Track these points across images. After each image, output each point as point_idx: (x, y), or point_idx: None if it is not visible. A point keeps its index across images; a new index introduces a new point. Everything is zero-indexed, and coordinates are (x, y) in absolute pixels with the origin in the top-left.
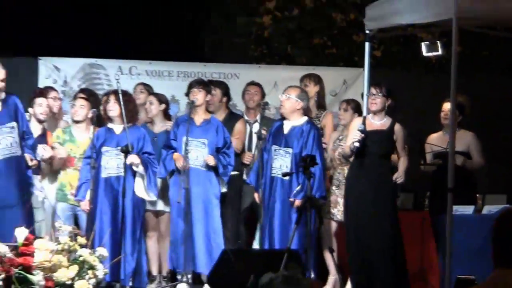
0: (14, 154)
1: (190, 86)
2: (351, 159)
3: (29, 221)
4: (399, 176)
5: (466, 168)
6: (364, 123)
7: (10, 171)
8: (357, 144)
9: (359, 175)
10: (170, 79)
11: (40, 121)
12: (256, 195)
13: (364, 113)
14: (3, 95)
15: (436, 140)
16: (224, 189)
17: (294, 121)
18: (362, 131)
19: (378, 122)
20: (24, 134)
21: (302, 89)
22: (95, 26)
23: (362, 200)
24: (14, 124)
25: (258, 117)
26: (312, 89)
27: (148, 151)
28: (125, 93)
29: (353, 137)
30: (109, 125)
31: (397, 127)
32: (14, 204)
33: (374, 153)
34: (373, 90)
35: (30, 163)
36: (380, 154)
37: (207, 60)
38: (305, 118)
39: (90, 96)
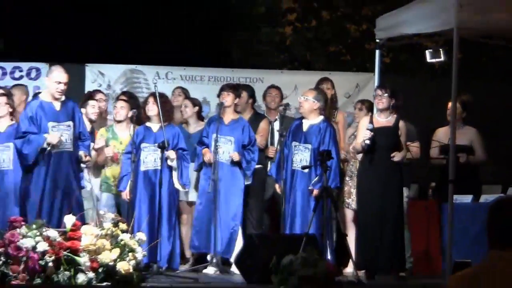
0: (67, 149)
1: (221, 89)
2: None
3: (79, 209)
4: (396, 156)
5: (470, 162)
6: (371, 121)
7: (65, 163)
8: (367, 142)
9: (369, 168)
10: (202, 83)
11: (91, 121)
12: (277, 186)
13: (375, 113)
14: (63, 97)
15: (442, 134)
16: (247, 182)
17: (312, 120)
18: (371, 130)
19: (385, 120)
20: (80, 135)
21: (319, 91)
22: (135, 36)
23: (372, 190)
24: (70, 123)
25: (278, 116)
26: (329, 92)
27: (182, 147)
28: (162, 95)
29: (363, 135)
30: (148, 123)
31: (401, 123)
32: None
33: (382, 147)
34: (379, 91)
35: (84, 159)
36: (387, 147)
37: (235, 66)
38: (322, 117)
39: (130, 98)
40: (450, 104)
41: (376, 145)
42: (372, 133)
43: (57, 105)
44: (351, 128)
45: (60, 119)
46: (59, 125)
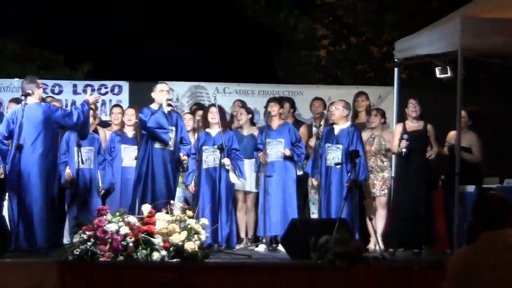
0: (168, 148)
1: (268, 101)
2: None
3: (168, 198)
4: (430, 155)
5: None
6: (405, 128)
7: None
8: (405, 150)
9: (405, 165)
10: (253, 96)
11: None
12: (313, 180)
13: (394, 119)
14: (169, 108)
15: (452, 136)
16: (300, 172)
17: (342, 125)
18: (406, 140)
19: (415, 125)
20: (182, 140)
21: (346, 102)
22: (199, 58)
23: (408, 183)
24: (173, 128)
25: (322, 122)
26: (365, 103)
27: (235, 147)
28: (220, 107)
29: (401, 144)
30: (207, 130)
31: (429, 126)
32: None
33: (415, 147)
34: (413, 101)
35: (182, 158)
36: (419, 147)
37: (279, 82)
38: (349, 123)
39: (198, 109)
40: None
41: (409, 145)
42: (408, 142)
43: (165, 110)
44: (367, 132)
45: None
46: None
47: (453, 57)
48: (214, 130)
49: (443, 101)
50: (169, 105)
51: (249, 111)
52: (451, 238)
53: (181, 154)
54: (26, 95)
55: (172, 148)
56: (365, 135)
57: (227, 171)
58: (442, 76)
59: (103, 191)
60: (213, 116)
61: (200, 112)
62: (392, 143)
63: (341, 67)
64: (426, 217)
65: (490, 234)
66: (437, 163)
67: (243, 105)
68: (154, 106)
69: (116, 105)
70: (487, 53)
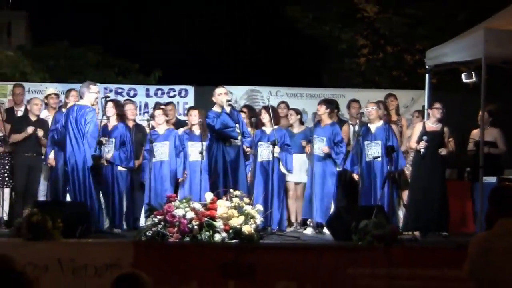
0: (236, 143)
1: (319, 103)
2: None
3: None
4: (441, 151)
5: (494, 153)
6: (424, 127)
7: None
8: (423, 150)
9: (422, 160)
10: (301, 98)
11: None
12: (354, 175)
13: (426, 119)
14: (230, 108)
15: (476, 133)
16: (338, 169)
17: (377, 123)
18: (426, 141)
19: (435, 126)
20: (244, 133)
21: (380, 103)
22: (254, 64)
23: (426, 175)
24: (237, 125)
25: (358, 121)
26: (395, 103)
27: (287, 143)
28: (273, 108)
29: (420, 145)
30: (263, 127)
31: (446, 129)
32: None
33: (432, 146)
34: (439, 106)
35: (246, 150)
36: (436, 145)
37: (325, 86)
38: (382, 121)
39: (250, 110)
40: (480, 113)
41: (428, 144)
42: (426, 144)
43: (227, 110)
44: (410, 129)
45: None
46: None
47: (477, 64)
48: (268, 128)
49: (468, 102)
50: (229, 105)
51: (297, 111)
52: (476, 222)
53: (244, 147)
54: (80, 97)
55: (239, 143)
56: (408, 132)
57: (279, 161)
58: (468, 80)
59: (181, 179)
60: (266, 116)
61: (250, 113)
62: (411, 139)
63: (378, 72)
64: (439, 205)
65: (505, 221)
66: (459, 158)
67: (288, 106)
68: (216, 109)
69: (193, 108)
70: (507, 60)
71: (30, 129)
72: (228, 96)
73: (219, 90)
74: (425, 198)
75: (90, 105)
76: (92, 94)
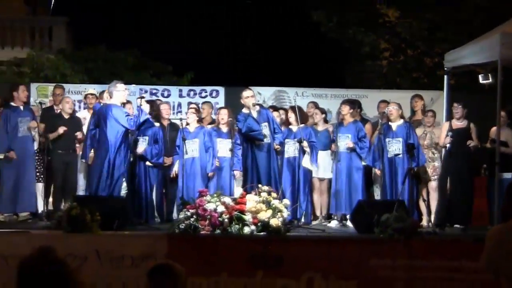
0: (266, 141)
1: (341, 103)
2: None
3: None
4: (469, 143)
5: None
6: (450, 125)
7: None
8: (448, 145)
9: (451, 155)
10: (326, 98)
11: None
12: (376, 170)
13: (444, 118)
14: (258, 107)
15: (494, 132)
16: (363, 163)
17: (397, 122)
18: (451, 136)
19: (460, 123)
20: (274, 130)
21: (398, 103)
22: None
23: (452, 170)
24: (266, 124)
25: (384, 120)
26: (420, 103)
27: (312, 140)
28: (299, 107)
29: (446, 140)
30: (289, 126)
31: (472, 125)
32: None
33: (457, 142)
34: (456, 105)
35: (275, 147)
36: (462, 142)
37: (348, 87)
38: (402, 120)
39: (275, 110)
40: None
41: (455, 140)
42: (451, 139)
43: (254, 113)
44: (420, 128)
45: (260, 121)
46: (260, 124)
47: (493, 66)
48: (295, 127)
49: (485, 102)
50: (258, 105)
51: (322, 111)
52: (492, 216)
53: (274, 144)
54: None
55: (269, 140)
56: (419, 131)
57: (304, 153)
58: (484, 82)
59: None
60: (292, 115)
61: (276, 113)
62: (440, 137)
63: (399, 74)
64: (466, 199)
65: None
66: (478, 155)
67: (316, 106)
68: (245, 110)
69: (223, 107)
70: None
71: (61, 130)
72: (255, 99)
73: (246, 93)
74: (456, 194)
75: (120, 103)
76: (119, 92)
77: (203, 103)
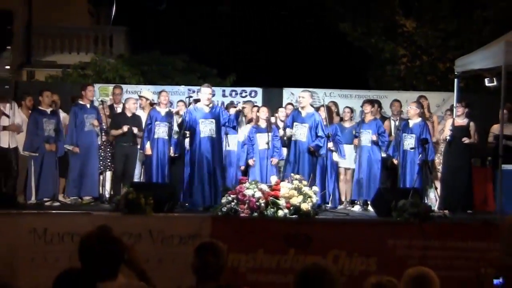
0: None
1: (363, 103)
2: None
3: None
4: (464, 140)
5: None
6: (453, 123)
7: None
8: (449, 138)
9: (450, 149)
10: (351, 98)
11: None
12: (394, 160)
13: (454, 116)
14: (312, 109)
15: (497, 128)
16: (383, 154)
17: (415, 120)
18: (451, 130)
19: (461, 121)
20: (317, 134)
21: (419, 103)
22: (312, 70)
23: (454, 162)
24: (306, 125)
25: (398, 118)
26: (425, 103)
27: (338, 134)
28: (327, 106)
29: (447, 133)
30: None
31: (471, 123)
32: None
33: (459, 137)
34: (457, 105)
35: (310, 149)
36: (461, 138)
37: (370, 89)
38: (420, 118)
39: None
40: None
41: (456, 136)
42: (451, 132)
43: (303, 113)
44: (441, 125)
45: (302, 120)
46: (297, 124)
47: (498, 70)
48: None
49: (489, 102)
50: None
51: (352, 110)
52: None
53: (309, 146)
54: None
55: (303, 140)
56: (439, 127)
57: (332, 151)
58: (490, 84)
59: (243, 167)
60: (322, 114)
61: None
62: (444, 132)
63: (415, 77)
64: (465, 187)
65: None
66: (479, 149)
67: (337, 106)
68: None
69: (261, 106)
70: None
71: (125, 128)
72: (307, 100)
73: (300, 94)
74: (454, 181)
75: (204, 104)
76: (201, 95)
77: (245, 102)
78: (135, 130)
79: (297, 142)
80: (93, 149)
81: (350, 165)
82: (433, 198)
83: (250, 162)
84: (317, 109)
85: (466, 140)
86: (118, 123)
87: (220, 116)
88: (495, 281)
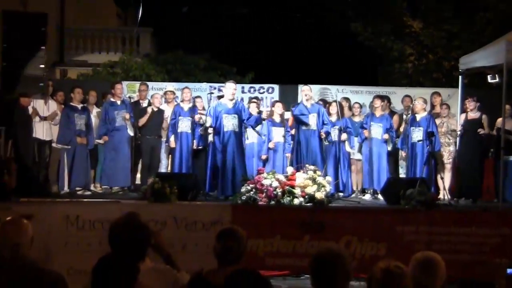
0: (311, 128)
1: (373, 98)
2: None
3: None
4: (479, 131)
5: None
6: (466, 117)
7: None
8: (460, 132)
9: (463, 140)
10: (361, 94)
11: None
12: (402, 152)
13: (458, 110)
14: (313, 100)
15: (499, 122)
16: (389, 148)
17: (421, 114)
18: (462, 125)
19: (474, 114)
20: (323, 122)
21: (424, 98)
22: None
23: (465, 153)
24: (315, 114)
25: (409, 112)
26: (439, 99)
27: (349, 126)
28: (339, 102)
29: (459, 128)
30: (330, 118)
31: (484, 116)
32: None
33: (471, 130)
34: (470, 99)
35: (321, 135)
36: (475, 130)
37: (379, 85)
38: (426, 112)
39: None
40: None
41: (469, 129)
42: (462, 127)
43: (307, 103)
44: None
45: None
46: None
47: (500, 68)
48: (335, 117)
49: (492, 98)
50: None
51: (361, 105)
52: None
53: (321, 132)
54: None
55: (315, 128)
56: (438, 120)
57: (344, 142)
58: (492, 81)
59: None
60: (334, 109)
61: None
62: (457, 127)
63: (422, 75)
64: (476, 177)
65: None
66: (487, 140)
67: (349, 101)
68: (299, 101)
69: (277, 101)
70: None
71: (149, 109)
72: (308, 93)
73: (303, 88)
74: (466, 171)
75: (228, 99)
76: (226, 90)
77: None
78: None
79: (301, 132)
80: (125, 142)
81: (360, 156)
82: (440, 187)
83: (271, 145)
84: (330, 104)
85: (481, 131)
86: (141, 117)
87: (242, 112)
88: (509, 271)
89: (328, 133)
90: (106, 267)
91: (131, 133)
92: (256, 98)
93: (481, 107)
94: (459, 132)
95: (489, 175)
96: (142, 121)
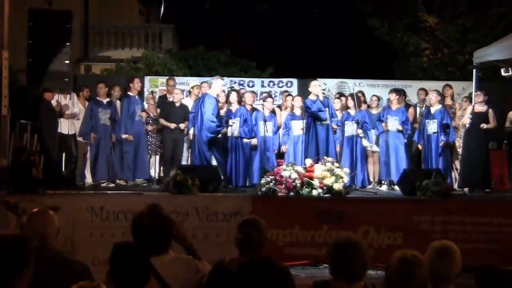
0: (325, 123)
1: (390, 91)
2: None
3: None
4: (483, 126)
5: None
6: (473, 110)
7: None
8: (468, 125)
9: (470, 133)
10: (377, 88)
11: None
12: (419, 145)
13: (473, 103)
14: (323, 96)
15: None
16: (405, 140)
17: (436, 107)
18: (470, 118)
19: (481, 108)
20: (332, 115)
21: (439, 91)
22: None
23: (472, 145)
24: (327, 109)
25: (423, 105)
26: (450, 91)
27: (366, 121)
28: (357, 95)
29: (466, 120)
30: (348, 110)
31: (490, 110)
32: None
33: (478, 123)
34: (479, 92)
35: (334, 127)
36: (479, 123)
37: (396, 79)
38: (440, 105)
39: (341, 96)
40: None
41: (475, 122)
42: (470, 119)
43: (321, 98)
44: (460, 111)
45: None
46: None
47: None
48: (353, 111)
49: (505, 90)
50: (322, 94)
51: (378, 98)
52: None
53: (333, 125)
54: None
55: (328, 122)
56: (459, 113)
57: (361, 137)
58: (505, 74)
59: (276, 150)
60: (351, 102)
61: (343, 98)
62: (463, 118)
63: (437, 69)
64: (482, 168)
65: None
66: (496, 133)
67: (364, 94)
68: (312, 97)
69: (297, 95)
70: None
71: (172, 126)
72: (320, 88)
73: (315, 83)
74: (472, 162)
75: (215, 94)
76: (217, 85)
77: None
78: (182, 126)
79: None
80: (142, 136)
81: (377, 149)
82: (454, 177)
83: (283, 148)
84: (346, 98)
85: (484, 126)
86: (167, 112)
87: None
88: None
89: (337, 125)
90: (123, 256)
91: (149, 127)
92: (269, 94)
93: (489, 101)
94: (467, 125)
95: (504, 166)
96: (165, 124)
